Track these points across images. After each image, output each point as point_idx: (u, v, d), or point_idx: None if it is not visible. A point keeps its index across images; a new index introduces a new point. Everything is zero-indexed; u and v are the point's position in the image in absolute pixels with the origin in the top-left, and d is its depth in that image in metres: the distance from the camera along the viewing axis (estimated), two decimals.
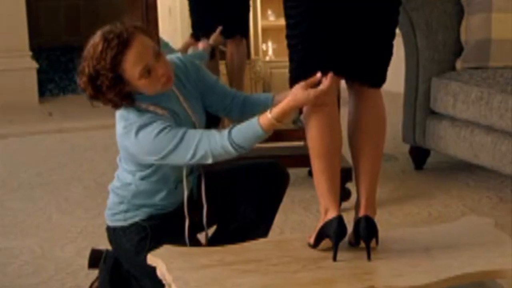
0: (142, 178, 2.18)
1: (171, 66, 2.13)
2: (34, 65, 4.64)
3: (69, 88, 4.92)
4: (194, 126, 2.16)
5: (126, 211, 2.21)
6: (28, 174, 3.61)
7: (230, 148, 2.04)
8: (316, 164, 2.09)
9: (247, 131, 2.05)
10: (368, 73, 2.12)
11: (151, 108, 2.11)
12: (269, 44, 3.80)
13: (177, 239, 2.17)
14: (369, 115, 2.13)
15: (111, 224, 2.24)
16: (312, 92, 2.01)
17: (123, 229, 2.22)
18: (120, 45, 2.05)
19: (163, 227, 2.20)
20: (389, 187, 3.24)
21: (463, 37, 3.33)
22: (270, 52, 3.78)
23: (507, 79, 3.08)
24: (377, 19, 2.10)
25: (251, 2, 3.60)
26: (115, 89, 2.06)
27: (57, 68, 4.92)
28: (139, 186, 2.19)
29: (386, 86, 2.16)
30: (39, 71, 4.68)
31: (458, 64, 3.32)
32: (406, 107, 3.45)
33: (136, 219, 2.21)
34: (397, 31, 2.27)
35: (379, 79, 2.13)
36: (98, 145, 3.98)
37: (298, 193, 3.15)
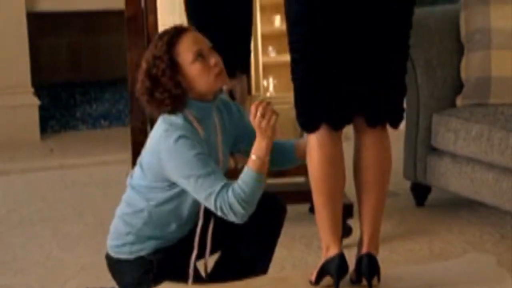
0: (157, 206, 2.17)
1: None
2: (36, 101, 4.66)
3: (70, 125, 4.93)
4: (217, 163, 2.17)
5: (132, 243, 2.19)
6: (29, 211, 3.60)
7: (237, 206, 2.05)
8: (318, 200, 2.09)
9: (246, 183, 2.06)
10: (384, 110, 2.13)
11: (195, 123, 2.13)
12: (270, 80, 3.82)
13: (179, 272, 2.16)
14: (374, 154, 2.14)
15: (115, 255, 2.22)
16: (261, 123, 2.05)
17: (127, 262, 2.20)
18: (176, 31, 2.15)
19: (167, 260, 2.19)
20: (390, 224, 3.23)
21: (463, 74, 3.34)
22: (271, 88, 3.80)
23: (508, 116, 3.09)
24: (385, 54, 2.11)
25: (252, 39, 3.62)
26: (170, 74, 2.11)
27: (58, 104, 4.94)
28: (152, 214, 2.17)
29: None
30: (41, 108, 4.69)
31: (459, 101, 3.33)
32: (407, 143, 3.45)
33: (142, 253, 2.19)
34: None
35: (396, 116, 2.14)
36: (98, 181, 3.98)
37: (299, 229, 3.14)
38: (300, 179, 3.08)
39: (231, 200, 2.04)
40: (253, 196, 2.06)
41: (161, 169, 2.12)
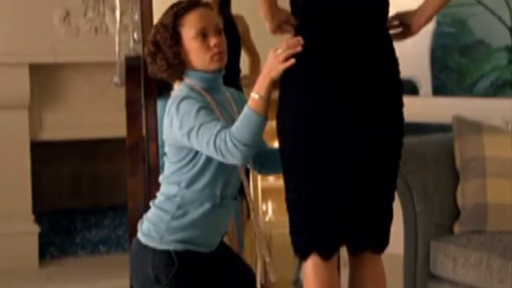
0: (187, 186, 2.18)
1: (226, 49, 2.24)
2: (36, 229, 4.66)
3: (70, 251, 4.92)
4: None
5: (164, 232, 2.18)
6: None
7: (231, 145, 2.06)
8: None
9: (243, 122, 2.07)
10: (370, 237, 2.15)
11: (202, 92, 2.19)
12: (269, 204, 3.85)
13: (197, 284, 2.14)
14: (370, 282, 2.14)
15: (144, 240, 2.20)
16: (277, 51, 2.06)
17: (153, 251, 2.17)
18: (188, 3, 2.22)
19: (190, 268, 2.16)
20: None
21: (459, 202, 3.38)
22: (270, 212, 3.82)
23: (506, 244, 3.10)
24: (377, 181, 2.15)
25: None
26: (170, 43, 2.18)
27: (58, 231, 4.94)
28: (184, 196, 2.18)
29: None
30: (41, 235, 4.69)
31: (456, 228, 3.34)
32: (406, 270, 3.44)
33: (171, 247, 2.16)
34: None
35: (382, 243, 2.16)
36: None
37: None
38: None
39: (228, 142, 2.05)
40: (251, 139, 2.06)
41: (174, 135, 2.16)
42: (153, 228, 2.20)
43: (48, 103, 4.73)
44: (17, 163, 4.62)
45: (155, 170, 3.11)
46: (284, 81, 2.14)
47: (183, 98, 2.14)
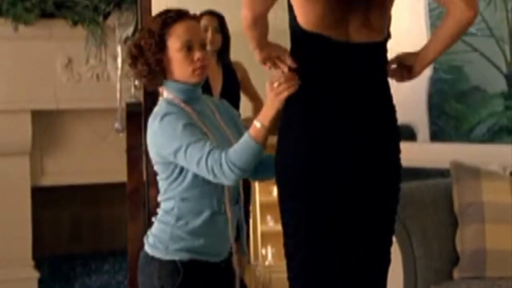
0: (182, 199, 2.21)
1: (211, 65, 2.23)
2: (36, 274, 4.65)
3: None
4: (229, 141, 2.24)
5: (168, 241, 2.21)
6: None
7: (226, 167, 2.09)
8: None
9: (241, 147, 2.10)
10: (369, 281, 2.15)
11: (182, 104, 2.22)
12: (269, 248, 3.85)
13: None
14: None
15: (150, 251, 2.23)
16: (275, 85, 2.10)
17: (160, 262, 2.19)
18: (177, 13, 2.24)
19: (196, 278, 2.18)
20: None
21: (458, 247, 3.37)
22: (269, 256, 3.82)
23: None
24: (375, 227, 2.16)
25: (251, 208, 3.68)
26: (154, 50, 2.21)
27: (58, 276, 4.93)
28: (181, 207, 2.20)
29: None
30: (40, 280, 4.68)
31: (455, 274, 3.34)
32: None
33: (176, 257, 2.18)
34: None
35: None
36: None
37: None
38: None
39: (223, 164, 2.08)
40: (246, 164, 2.09)
41: (160, 152, 2.18)
42: (157, 239, 2.24)
43: (49, 149, 4.76)
44: (17, 208, 4.62)
45: (155, 215, 3.13)
46: (282, 123, 2.18)
47: (164, 115, 2.18)
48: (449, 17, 2.13)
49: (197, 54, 2.23)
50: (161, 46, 2.23)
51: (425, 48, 2.23)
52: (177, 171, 2.21)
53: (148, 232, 2.29)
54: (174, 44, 2.23)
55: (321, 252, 2.12)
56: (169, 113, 2.19)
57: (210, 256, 2.24)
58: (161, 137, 2.17)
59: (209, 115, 2.28)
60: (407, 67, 2.25)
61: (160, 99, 2.28)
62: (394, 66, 2.25)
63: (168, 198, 2.25)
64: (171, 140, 2.15)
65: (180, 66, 2.24)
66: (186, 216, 2.22)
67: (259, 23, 2.05)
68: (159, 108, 2.24)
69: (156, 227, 2.27)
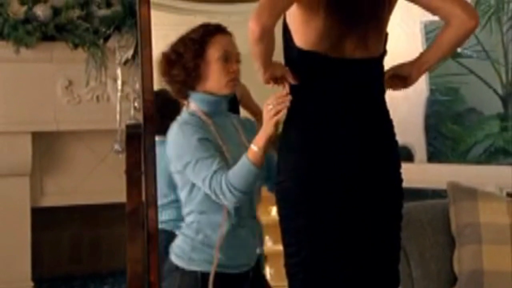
0: (200, 212, 2.28)
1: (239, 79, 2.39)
2: None
3: None
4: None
5: (190, 253, 2.27)
6: None
7: (226, 190, 2.17)
8: None
9: (240, 170, 2.16)
10: None
11: (203, 116, 2.30)
12: (267, 269, 3.85)
13: None
14: None
15: (174, 260, 2.31)
16: (269, 108, 2.15)
17: (182, 271, 2.25)
18: (218, 27, 2.36)
19: None
20: None
21: (456, 268, 3.38)
22: (268, 277, 3.81)
23: None
24: (379, 245, 2.17)
25: None
26: (194, 55, 2.30)
27: None
28: (200, 221, 2.28)
29: None
30: None
31: None
32: None
33: (198, 268, 2.23)
34: None
35: None
36: None
37: None
38: None
39: (223, 186, 2.14)
40: (246, 186, 2.16)
41: (174, 162, 2.27)
42: (180, 250, 2.32)
43: (49, 170, 4.77)
44: (17, 229, 4.62)
45: (154, 236, 3.14)
46: (282, 144, 2.20)
47: (182, 124, 2.23)
48: (451, 28, 2.16)
49: (233, 66, 2.31)
50: (201, 53, 2.31)
51: (423, 55, 2.26)
52: (191, 182, 2.26)
53: (173, 243, 2.34)
54: (214, 53, 2.31)
55: (323, 272, 2.13)
56: (186, 123, 2.25)
57: (231, 269, 2.27)
58: (174, 148, 2.23)
59: (231, 131, 2.34)
60: (402, 77, 2.28)
61: (184, 110, 2.33)
62: (389, 76, 2.28)
63: (189, 212, 2.31)
64: (184, 152, 2.22)
65: (216, 75, 2.32)
66: (205, 230, 2.26)
67: (266, 38, 2.06)
68: (180, 117, 2.29)
69: (179, 239, 2.33)
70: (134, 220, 3.16)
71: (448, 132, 4.37)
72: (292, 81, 2.16)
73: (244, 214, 2.28)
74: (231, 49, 2.35)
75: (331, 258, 2.13)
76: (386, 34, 2.24)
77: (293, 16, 2.15)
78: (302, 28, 2.14)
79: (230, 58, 2.33)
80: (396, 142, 2.25)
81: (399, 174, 2.24)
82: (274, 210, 3.51)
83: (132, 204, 3.17)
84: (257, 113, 3.67)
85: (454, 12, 2.11)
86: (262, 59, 2.11)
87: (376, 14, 2.13)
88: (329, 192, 2.12)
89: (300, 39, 2.15)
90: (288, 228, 2.18)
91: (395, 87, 2.29)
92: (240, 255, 2.28)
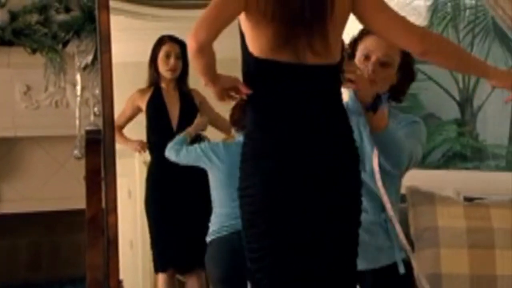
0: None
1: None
2: None
3: None
4: None
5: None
6: None
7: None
8: None
9: None
10: None
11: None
12: None
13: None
14: None
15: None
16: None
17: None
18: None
19: None
20: None
21: (415, 272, 3.41)
22: None
23: None
24: (339, 250, 2.19)
25: None
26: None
27: None
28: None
29: None
30: None
31: None
32: None
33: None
34: None
35: None
36: None
37: None
38: None
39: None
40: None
41: None
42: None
43: (8, 176, 4.72)
44: None
45: (114, 242, 3.12)
46: (243, 151, 2.23)
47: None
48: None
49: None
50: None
51: None
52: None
53: None
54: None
55: (287, 277, 2.15)
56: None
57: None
58: None
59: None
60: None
61: None
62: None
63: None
64: None
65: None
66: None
67: (204, 53, 2.08)
68: None
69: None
70: (94, 227, 3.14)
71: None
72: (245, 90, 2.18)
73: None
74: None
75: (294, 263, 2.14)
76: (342, 42, 2.27)
77: (244, 25, 2.18)
78: (253, 36, 2.17)
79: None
80: (355, 147, 2.27)
81: (359, 178, 2.27)
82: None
83: (92, 211, 3.15)
84: (216, 119, 3.68)
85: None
86: (205, 73, 2.15)
87: (319, 16, 2.15)
88: (291, 197, 2.14)
89: (254, 46, 2.18)
90: (252, 234, 2.19)
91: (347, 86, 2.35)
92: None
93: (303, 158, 2.15)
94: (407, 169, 2.67)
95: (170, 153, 3.34)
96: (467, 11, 5.68)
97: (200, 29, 2.05)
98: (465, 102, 4.29)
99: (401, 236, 2.62)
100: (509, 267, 3.34)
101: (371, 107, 2.34)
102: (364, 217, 2.34)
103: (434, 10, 5.47)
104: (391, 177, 2.53)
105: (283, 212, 2.13)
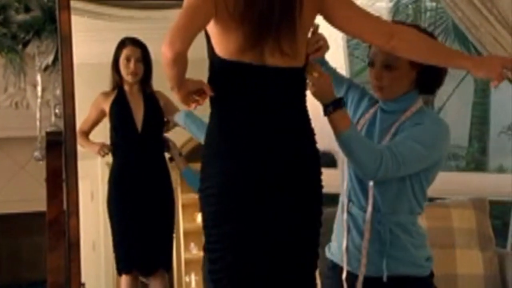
0: None
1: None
2: None
3: None
4: None
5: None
6: None
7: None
8: None
9: None
10: None
11: None
12: (192, 276, 3.84)
13: None
14: None
15: None
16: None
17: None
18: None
19: None
20: None
21: None
22: (193, 284, 3.81)
23: None
24: (299, 250, 2.20)
25: (174, 235, 3.69)
26: None
27: None
28: None
29: None
30: None
31: None
32: None
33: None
34: None
35: None
36: None
37: None
38: None
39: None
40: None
41: None
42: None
43: None
44: None
45: (75, 245, 3.10)
46: (205, 152, 2.24)
47: None
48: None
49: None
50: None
51: None
52: None
53: None
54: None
55: (247, 277, 2.15)
56: None
57: None
58: None
59: None
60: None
61: None
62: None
63: None
64: None
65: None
66: None
67: (179, 61, 2.09)
68: None
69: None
70: (55, 229, 3.11)
71: None
72: (208, 92, 2.18)
73: None
74: None
75: (255, 263, 2.15)
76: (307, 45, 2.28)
77: (211, 29, 2.18)
78: (221, 39, 2.18)
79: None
80: (316, 149, 2.29)
81: (320, 179, 2.29)
82: (199, 217, 3.53)
83: (53, 213, 3.13)
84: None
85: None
86: (175, 80, 2.16)
87: (288, 16, 2.17)
88: (252, 197, 2.15)
89: (221, 48, 2.19)
90: (213, 234, 2.19)
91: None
92: None
93: (263, 159, 2.16)
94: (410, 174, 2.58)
95: None
96: (428, 13, 5.75)
97: (175, 38, 2.05)
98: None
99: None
100: (469, 266, 3.39)
101: (324, 110, 2.37)
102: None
103: (395, 12, 5.53)
104: (387, 184, 2.47)
105: (243, 212, 2.14)
